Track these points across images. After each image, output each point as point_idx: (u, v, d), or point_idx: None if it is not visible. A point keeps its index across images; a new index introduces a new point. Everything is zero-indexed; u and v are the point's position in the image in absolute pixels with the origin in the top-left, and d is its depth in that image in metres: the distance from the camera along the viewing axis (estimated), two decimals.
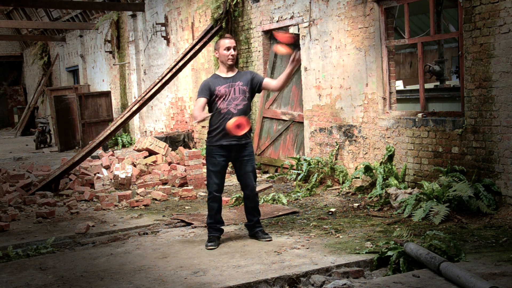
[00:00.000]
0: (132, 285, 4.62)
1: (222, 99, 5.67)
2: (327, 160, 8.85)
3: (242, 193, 6.06)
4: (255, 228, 5.92)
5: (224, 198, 8.08)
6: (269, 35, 10.74)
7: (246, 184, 5.86)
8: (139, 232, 6.64)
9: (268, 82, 5.91)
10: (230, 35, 11.35)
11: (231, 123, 5.47)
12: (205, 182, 9.34)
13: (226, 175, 9.98)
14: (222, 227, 5.93)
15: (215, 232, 5.80)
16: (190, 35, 13.41)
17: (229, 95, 5.67)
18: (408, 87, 12.09)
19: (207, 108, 5.83)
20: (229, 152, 5.74)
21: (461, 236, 5.55)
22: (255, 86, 5.82)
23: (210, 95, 5.69)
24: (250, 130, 5.86)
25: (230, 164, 6.14)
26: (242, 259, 5.17)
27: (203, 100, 5.68)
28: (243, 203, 6.16)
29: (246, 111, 5.76)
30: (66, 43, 23.65)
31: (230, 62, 5.75)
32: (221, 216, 5.91)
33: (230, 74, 5.79)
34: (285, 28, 10.75)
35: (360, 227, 6.21)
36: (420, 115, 7.51)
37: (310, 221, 6.60)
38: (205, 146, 6.26)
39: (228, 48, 5.72)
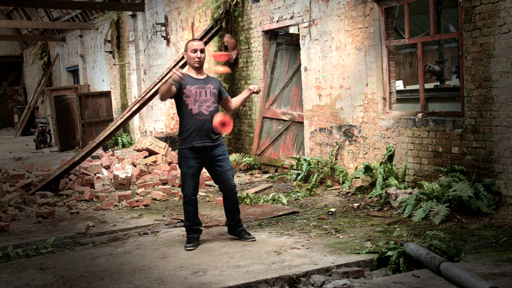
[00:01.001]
0: (132, 285, 4.62)
1: (193, 99, 5.67)
2: (327, 160, 8.85)
3: (222, 193, 6.01)
4: (237, 227, 5.93)
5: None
6: (269, 35, 10.75)
7: (224, 184, 5.83)
8: (139, 232, 6.64)
9: (229, 101, 5.97)
10: (230, 35, 11.35)
11: (216, 120, 5.50)
12: (205, 183, 9.41)
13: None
14: (200, 227, 5.94)
15: (193, 233, 5.80)
16: (190, 35, 13.41)
17: (200, 96, 5.68)
18: (408, 87, 12.09)
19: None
20: (203, 153, 5.71)
21: (461, 236, 5.55)
22: (220, 96, 5.89)
23: (178, 88, 5.65)
24: (221, 132, 5.81)
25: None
26: (242, 259, 5.17)
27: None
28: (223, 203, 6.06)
29: (216, 113, 5.74)
30: (66, 43, 23.66)
31: (196, 65, 5.77)
32: (198, 217, 5.90)
33: (200, 76, 5.81)
34: (285, 28, 10.76)
35: (360, 227, 6.21)
36: (420, 115, 7.51)
37: (310, 221, 6.60)
38: None
39: (195, 51, 5.75)
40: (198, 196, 8.59)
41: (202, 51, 5.78)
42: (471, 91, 6.62)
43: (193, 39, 5.95)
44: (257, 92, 5.87)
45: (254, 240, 5.81)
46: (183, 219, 5.96)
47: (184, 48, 6.02)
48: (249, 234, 5.91)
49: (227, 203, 5.93)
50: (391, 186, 7.27)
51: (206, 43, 11.37)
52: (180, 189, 8.92)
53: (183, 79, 5.54)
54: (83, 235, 6.63)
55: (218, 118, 5.54)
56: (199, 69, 5.81)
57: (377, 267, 4.87)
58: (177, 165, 10.24)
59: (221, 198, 8.12)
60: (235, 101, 6.03)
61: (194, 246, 5.68)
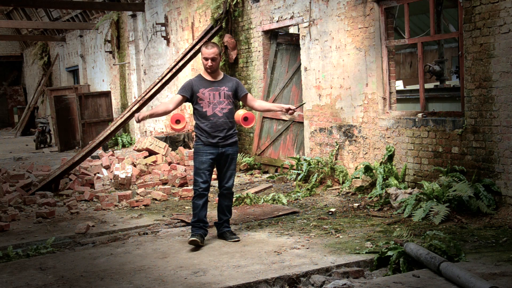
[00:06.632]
0: (132, 285, 4.63)
1: (206, 102, 5.80)
2: (327, 160, 8.85)
3: (219, 190, 6.07)
4: (223, 228, 5.99)
5: None
6: (269, 35, 10.74)
7: (226, 181, 5.95)
8: (139, 232, 6.64)
9: (250, 98, 6.11)
10: (230, 35, 11.35)
11: (239, 114, 5.63)
12: None
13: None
14: (206, 227, 5.89)
15: (198, 230, 5.78)
16: (190, 35, 13.41)
17: (214, 99, 5.80)
18: (408, 87, 12.09)
19: (176, 110, 6.01)
20: (216, 149, 5.82)
21: (461, 236, 5.55)
22: (237, 96, 6.00)
23: (190, 95, 5.85)
24: (235, 131, 5.95)
25: None
26: (242, 259, 5.17)
27: (179, 97, 5.88)
28: (218, 200, 6.15)
29: (231, 115, 5.90)
30: (66, 43, 23.66)
31: (208, 71, 5.89)
32: (206, 217, 5.87)
33: (215, 78, 5.91)
34: (285, 28, 10.76)
35: (360, 227, 6.21)
36: (420, 115, 7.51)
37: (310, 221, 6.60)
38: None
39: (206, 59, 5.83)
40: None
41: (214, 59, 5.80)
42: (471, 91, 6.62)
43: (208, 45, 5.88)
44: (288, 113, 6.01)
45: (238, 240, 5.83)
46: (186, 219, 5.96)
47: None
48: (234, 234, 5.95)
49: (223, 201, 6.02)
50: (391, 186, 7.27)
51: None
52: (180, 189, 8.95)
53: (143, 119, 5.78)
54: (83, 235, 6.63)
55: (241, 113, 5.63)
56: (212, 73, 5.89)
57: (377, 267, 4.87)
58: (177, 165, 10.36)
59: None
60: (261, 104, 6.26)
61: (197, 237, 5.63)
